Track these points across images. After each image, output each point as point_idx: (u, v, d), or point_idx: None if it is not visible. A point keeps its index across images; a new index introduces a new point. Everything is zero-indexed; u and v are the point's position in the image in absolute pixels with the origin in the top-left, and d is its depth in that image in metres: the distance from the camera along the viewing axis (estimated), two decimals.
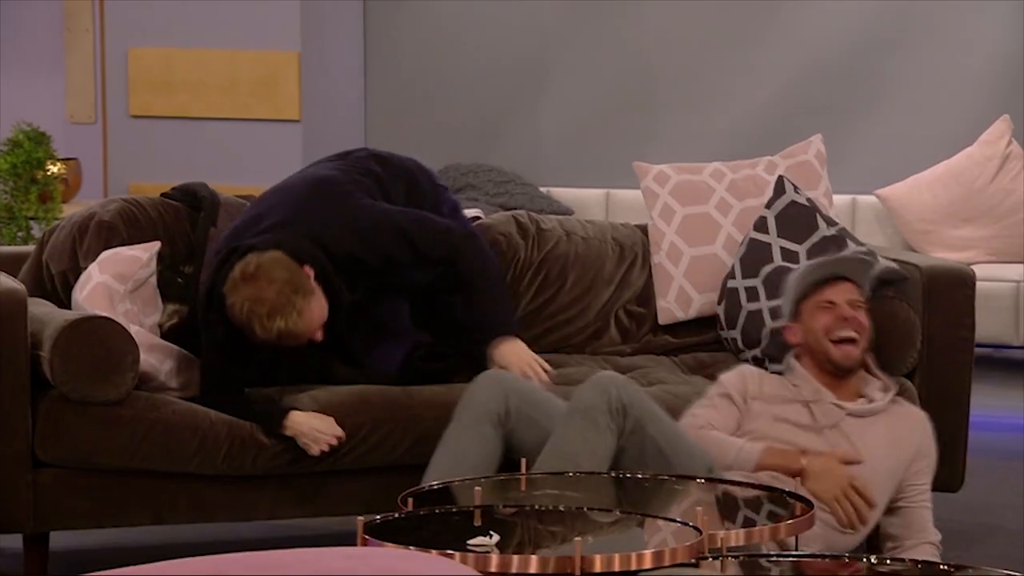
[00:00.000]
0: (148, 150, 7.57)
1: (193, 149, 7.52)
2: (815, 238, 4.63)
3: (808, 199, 4.72)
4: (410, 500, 3.51)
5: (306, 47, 7.52)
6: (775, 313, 4.48)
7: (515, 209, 7.32)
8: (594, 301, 4.78)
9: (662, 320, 4.77)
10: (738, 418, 4.13)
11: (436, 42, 7.95)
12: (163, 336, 4.32)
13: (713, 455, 3.97)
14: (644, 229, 4.91)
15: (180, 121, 7.56)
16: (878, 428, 4.05)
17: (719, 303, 4.71)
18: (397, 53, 8.02)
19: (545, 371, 4.24)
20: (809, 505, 3.54)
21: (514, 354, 4.26)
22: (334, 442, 4.14)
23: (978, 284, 4.60)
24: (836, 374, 4.10)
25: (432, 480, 3.79)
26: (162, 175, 7.02)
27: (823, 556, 3.38)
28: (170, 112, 7.57)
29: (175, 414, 4.11)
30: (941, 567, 3.26)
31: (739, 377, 4.19)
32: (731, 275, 4.67)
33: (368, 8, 7.97)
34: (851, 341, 4.07)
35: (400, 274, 4.34)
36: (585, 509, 3.49)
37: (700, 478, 3.80)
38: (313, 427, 4.14)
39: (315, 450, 4.13)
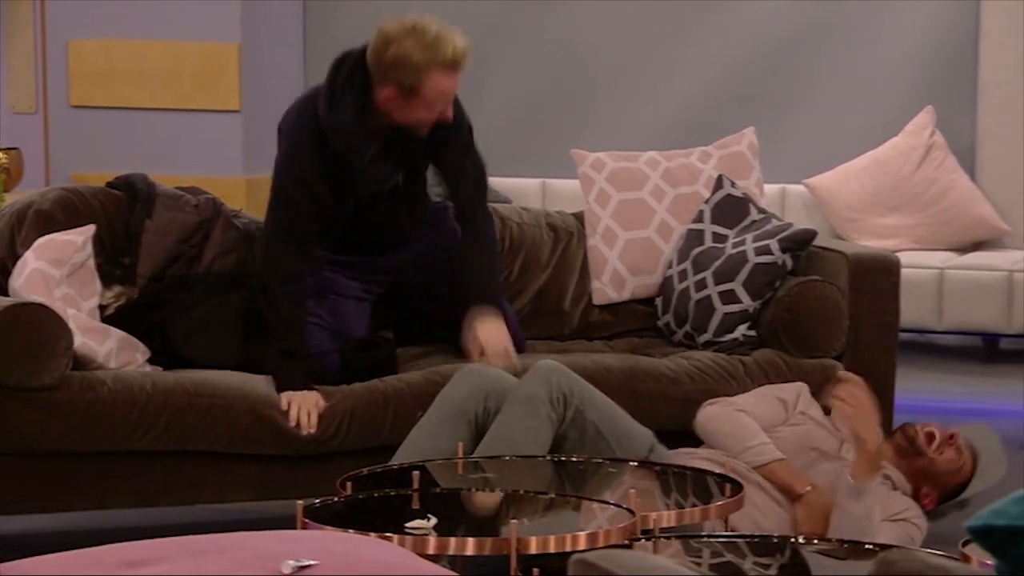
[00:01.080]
0: (89, 140, 7.52)
1: (134, 139, 7.47)
2: (745, 223, 4.70)
3: (743, 192, 4.79)
4: (349, 484, 3.52)
5: (246, 39, 7.49)
6: (725, 298, 4.51)
7: None
8: (530, 285, 4.80)
9: (597, 301, 4.80)
10: (780, 421, 4.16)
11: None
12: (108, 318, 4.30)
13: (731, 435, 4.03)
14: (579, 216, 4.94)
15: (121, 111, 7.51)
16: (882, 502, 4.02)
17: (658, 294, 4.76)
18: (336, 45, 7.95)
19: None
20: (738, 487, 3.56)
21: (497, 331, 4.25)
22: (308, 431, 4.14)
23: (902, 271, 4.65)
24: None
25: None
26: (104, 165, 6.96)
27: (753, 536, 3.41)
28: (111, 102, 7.51)
29: (110, 392, 4.09)
30: (866, 546, 3.29)
31: (796, 389, 4.26)
32: (669, 265, 4.73)
33: (308, 1, 7.94)
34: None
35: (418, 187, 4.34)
36: (522, 492, 3.50)
37: (634, 461, 3.82)
38: (304, 410, 4.14)
39: (290, 425, 4.14)
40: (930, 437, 4.13)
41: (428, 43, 4.15)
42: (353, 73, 4.22)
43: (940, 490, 4.14)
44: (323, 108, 4.22)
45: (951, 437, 4.12)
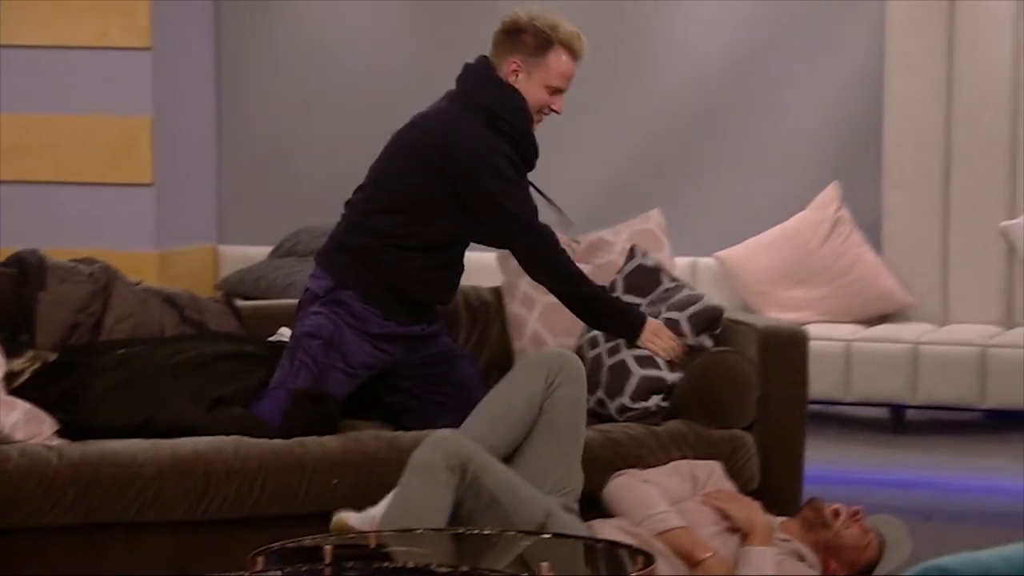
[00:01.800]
0: (2, 216, 7.45)
1: (46, 214, 7.40)
2: (657, 291, 4.74)
3: (655, 262, 4.84)
4: (260, 558, 3.47)
5: (158, 112, 7.46)
6: (643, 363, 4.53)
7: None
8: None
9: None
10: (687, 495, 4.18)
11: (287, 109, 7.93)
12: (20, 386, 4.26)
13: (634, 504, 4.04)
14: (496, 290, 4.96)
15: (32, 186, 7.45)
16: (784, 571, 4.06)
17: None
18: (249, 120, 7.98)
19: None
20: (650, 559, 3.56)
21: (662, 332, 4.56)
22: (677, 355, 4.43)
23: (810, 343, 4.68)
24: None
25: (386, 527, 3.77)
26: (15, 240, 6.90)
27: None
28: (22, 177, 7.45)
29: (17, 467, 4.04)
30: None
31: (709, 467, 4.29)
32: (585, 330, 4.77)
33: (221, 75, 7.94)
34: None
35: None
36: (432, 565, 3.47)
37: (545, 534, 3.81)
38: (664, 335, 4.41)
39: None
40: (836, 513, 4.16)
41: (553, 24, 4.43)
42: (486, 72, 4.43)
43: (848, 567, 4.16)
44: (487, 95, 4.38)
45: (856, 513, 4.15)
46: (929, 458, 6.67)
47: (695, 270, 7.38)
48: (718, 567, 3.95)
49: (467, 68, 4.48)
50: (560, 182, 7.64)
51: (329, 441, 4.30)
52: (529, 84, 4.41)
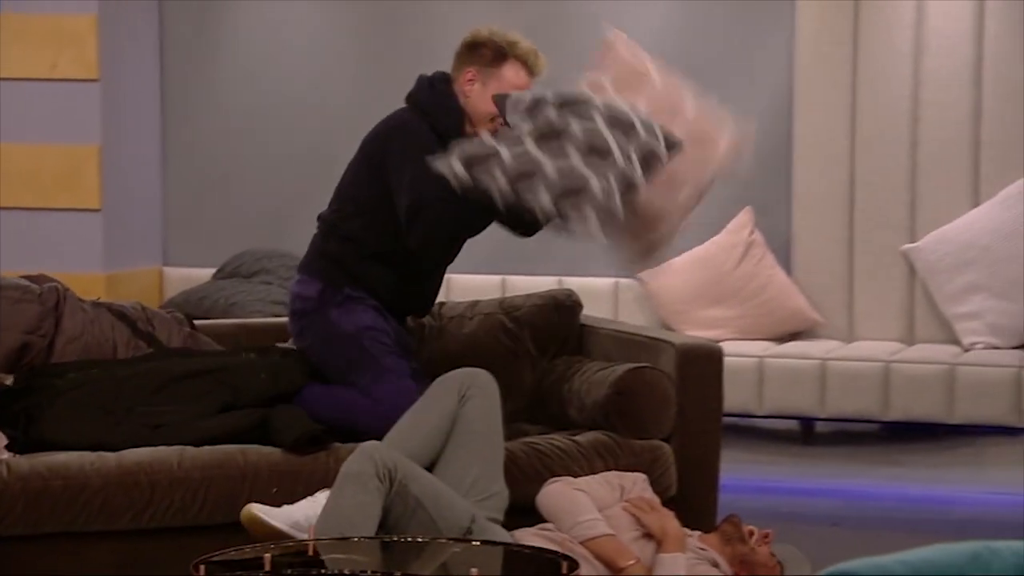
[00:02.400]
0: None
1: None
2: None
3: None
4: (202, 566, 3.45)
5: (106, 141, 7.42)
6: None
7: None
8: None
9: None
10: (614, 503, 4.18)
11: (232, 136, 7.89)
12: None
13: (565, 511, 4.06)
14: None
15: None
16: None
17: None
18: (194, 146, 7.94)
19: None
20: (575, 564, 3.55)
21: None
22: None
23: (725, 359, 4.70)
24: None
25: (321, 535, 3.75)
26: None
27: None
28: None
29: None
30: None
31: (635, 478, 4.29)
32: None
33: (166, 106, 7.89)
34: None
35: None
36: (368, 572, 3.46)
37: (475, 540, 3.81)
38: None
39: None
40: (750, 533, 4.19)
41: (512, 40, 4.46)
42: (436, 79, 4.45)
43: None
44: (426, 95, 4.40)
45: (766, 536, 4.18)
46: (836, 467, 6.70)
47: (617, 290, 7.39)
48: (640, 574, 3.96)
49: (420, 77, 4.53)
50: None
51: (269, 451, 4.28)
52: (483, 93, 4.42)
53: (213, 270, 7.67)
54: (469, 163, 4.09)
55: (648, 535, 4.09)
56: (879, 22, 7.07)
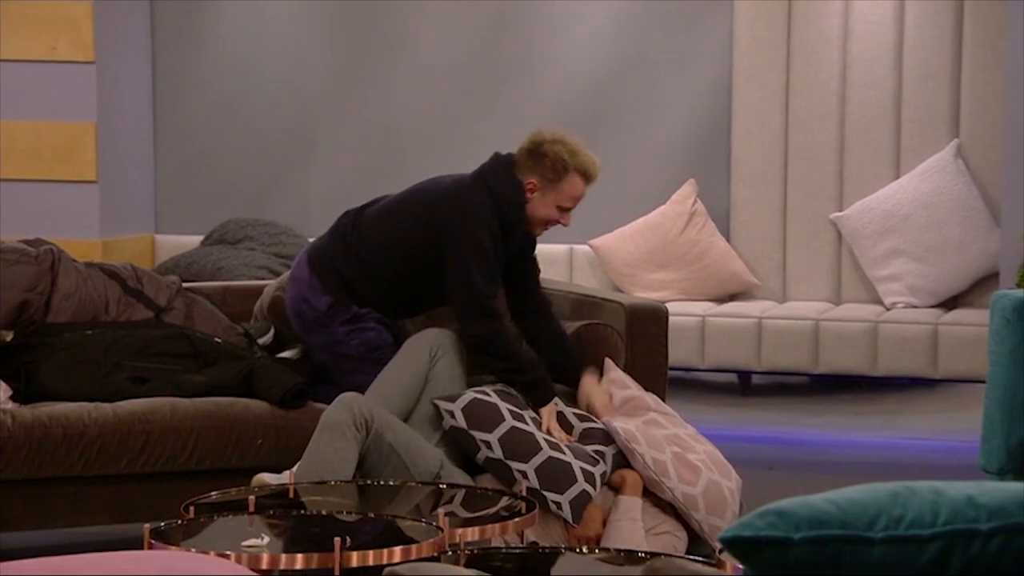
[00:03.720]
0: None
1: (3, 207, 7.27)
2: None
3: None
4: (192, 508, 3.44)
5: (102, 118, 7.36)
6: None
7: (288, 257, 7.25)
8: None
9: None
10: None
11: (218, 113, 7.84)
12: None
13: None
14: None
15: None
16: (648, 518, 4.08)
17: None
18: (183, 123, 7.88)
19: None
20: (532, 505, 3.56)
21: (603, 392, 4.36)
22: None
23: (670, 318, 4.70)
24: None
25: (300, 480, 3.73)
26: None
27: (543, 548, 3.40)
28: None
29: None
30: (639, 555, 3.30)
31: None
32: None
33: (157, 85, 7.83)
34: None
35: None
36: (344, 512, 3.45)
37: (441, 483, 3.80)
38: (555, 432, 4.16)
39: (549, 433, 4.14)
40: None
41: (573, 151, 4.30)
42: (503, 168, 4.31)
43: None
44: (501, 183, 4.26)
45: None
46: (771, 416, 6.74)
47: (572, 256, 7.39)
48: (596, 512, 3.97)
49: (495, 156, 4.39)
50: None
51: (255, 404, 4.26)
52: (542, 203, 4.30)
53: (201, 237, 7.63)
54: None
55: (609, 485, 4.10)
56: (811, 9, 7.06)
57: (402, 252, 4.32)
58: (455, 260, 4.20)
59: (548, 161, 4.27)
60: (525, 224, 4.32)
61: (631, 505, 3.95)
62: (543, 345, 4.38)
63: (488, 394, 4.11)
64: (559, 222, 4.36)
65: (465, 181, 4.34)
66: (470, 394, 4.09)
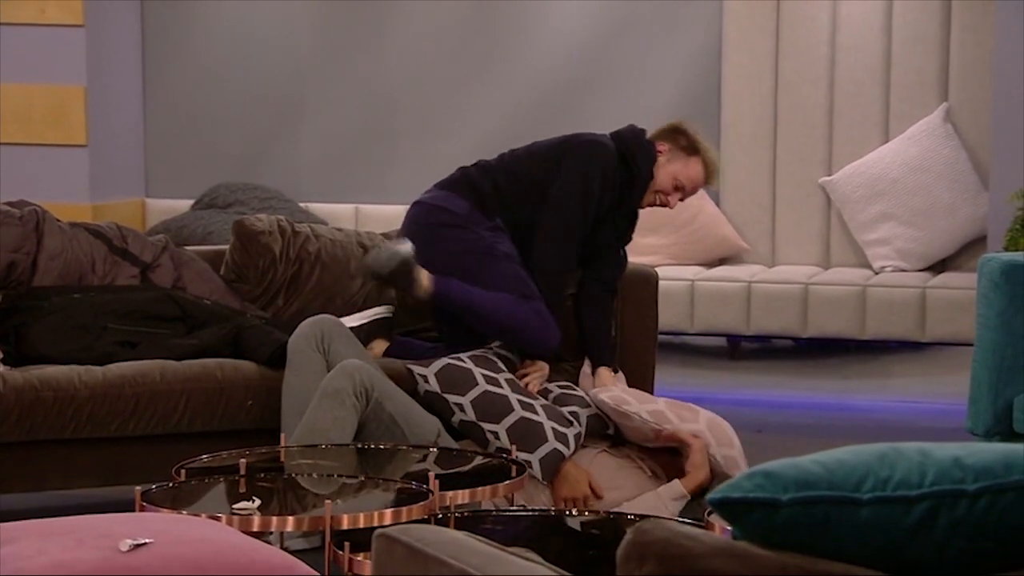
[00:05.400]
0: None
1: None
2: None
3: None
4: (183, 471, 3.44)
5: (91, 82, 7.33)
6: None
7: None
8: (341, 291, 4.75)
9: (404, 302, 4.76)
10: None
11: (208, 78, 7.81)
12: None
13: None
14: (387, 235, 4.91)
15: None
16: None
17: None
18: (173, 87, 7.85)
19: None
20: (522, 469, 3.57)
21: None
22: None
23: (660, 283, 4.71)
24: None
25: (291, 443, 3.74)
26: None
27: (531, 510, 3.41)
28: None
29: None
30: (627, 516, 3.31)
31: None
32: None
33: (146, 48, 7.79)
34: None
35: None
36: (335, 476, 3.46)
37: (432, 446, 3.81)
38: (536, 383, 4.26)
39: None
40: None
41: (707, 145, 4.44)
42: (639, 132, 4.44)
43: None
44: (633, 140, 4.35)
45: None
46: (759, 379, 6.75)
47: None
48: (579, 473, 3.99)
49: (631, 126, 4.48)
50: (455, 140, 7.62)
51: (244, 366, 4.25)
52: (664, 170, 4.37)
53: (191, 201, 7.61)
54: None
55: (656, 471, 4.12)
56: None
57: (538, 191, 4.35)
58: (559, 184, 4.27)
59: (685, 139, 4.40)
60: (641, 186, 4.34)
61: (673, 488, 3.97)
62: (585, 328, 4.41)
63: (462, 360, 4.13)
64: (666, 201, 4.40)
65: (600, 136, 4.43)
66: (444, 360, 4.10)
